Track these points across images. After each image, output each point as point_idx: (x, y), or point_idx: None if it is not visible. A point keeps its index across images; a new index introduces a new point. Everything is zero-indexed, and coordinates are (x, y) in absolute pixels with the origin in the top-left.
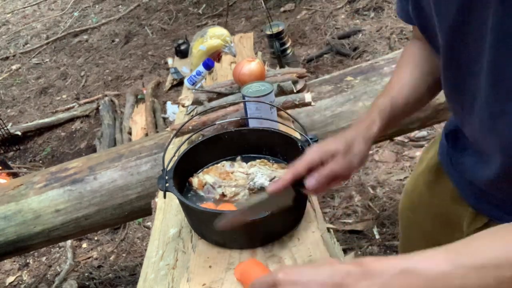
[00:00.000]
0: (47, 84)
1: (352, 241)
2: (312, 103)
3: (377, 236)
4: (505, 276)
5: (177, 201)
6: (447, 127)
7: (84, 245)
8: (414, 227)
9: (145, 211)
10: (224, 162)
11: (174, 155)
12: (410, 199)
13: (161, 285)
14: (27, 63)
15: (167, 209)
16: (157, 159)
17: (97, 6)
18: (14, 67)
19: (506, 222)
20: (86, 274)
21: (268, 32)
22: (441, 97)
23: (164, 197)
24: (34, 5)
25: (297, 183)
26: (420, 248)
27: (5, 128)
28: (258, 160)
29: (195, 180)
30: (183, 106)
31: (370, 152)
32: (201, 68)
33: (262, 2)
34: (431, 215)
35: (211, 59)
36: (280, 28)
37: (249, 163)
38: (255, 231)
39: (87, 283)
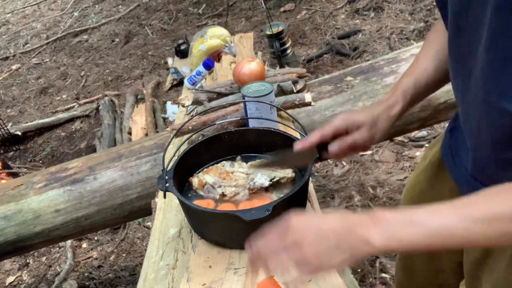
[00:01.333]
0: (47, 84)
1: None
2: (312, 103)
3: None
4: (508, 229)
5: (177, 201)
6: (451, 122)
7: (84, 245)
8: None
9: (145, 211)
10: (224, 162)
11: (174, 155)
12: (411, 196)
13: (161, 285)
14: (27, 63)
15: (167, 209)
16: (157, 159)
17: (97, 6)
18: (14, 67)
19: None
20: (86, 274)
21: (268, 32)
22: (441, 97)
23: (164, 197)
24: (34, 5)
25: (322, 146)
26: None
27: (5, 128)
28: (258, 160)
29: (195, 180)
30: (183, 106)
31: (370, 152)
32: (201, 68)
33: (262, 2)
34: None
35: (211, 59)
36: (280, 28)
37: (249, 163)
38: (255, 231)
39: (87, 283)
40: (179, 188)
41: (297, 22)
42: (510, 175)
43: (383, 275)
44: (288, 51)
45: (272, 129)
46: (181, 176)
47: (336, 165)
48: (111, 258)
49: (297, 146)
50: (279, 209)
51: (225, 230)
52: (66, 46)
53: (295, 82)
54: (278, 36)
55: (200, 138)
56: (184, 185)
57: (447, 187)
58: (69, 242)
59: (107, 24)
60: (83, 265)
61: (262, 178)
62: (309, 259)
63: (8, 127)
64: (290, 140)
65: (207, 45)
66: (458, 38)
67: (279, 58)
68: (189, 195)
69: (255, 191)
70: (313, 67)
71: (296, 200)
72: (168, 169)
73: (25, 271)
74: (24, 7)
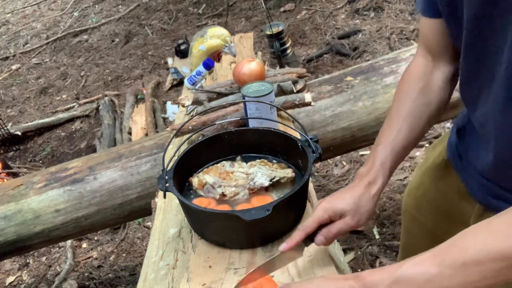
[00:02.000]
0: (47, 84)
1: (352, 241)
2: (312, 103)
3: (377, 236)
4: (487, 270)
5: (177, 201)
6: (458, 123)
7: (84, 245)
8: (417, 226)
9: (145, 211)
10: (224, 162)
11: (174, 155)
12: (414, 197)
13: (161, 285)
14: (27, 63)
15: (167, 209)
16: (157, 159)
17: (97, 6)
18: (14, 67)
19: None
20: (86, 274)
21: (268, 32)
22: None
23: (164, 197)
24: (34, 5)
25: (307, 238)
26: (422, 246)
27: (5, 128)
28: (258, 160)
29: (195, 180)
30: (183, 106)
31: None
32: (201, 68)
33: (262, 2)
34: (435, 212)
35: (211, 59)
36: (280, 28)
37: (249, 163)
38: (255, 231)
39: (87, 283)
40: (179, 188)
41: (297, 22)
42: None
43: None
44: (288, 51)
45: (272, 129)
46: (181, 176)
47: (336, 165)
48: (111, 258)
49: (283, 247)
50: (279, 209)
51: (225, 230)
52: (66, 46)
53: (295, 82)
54: (278, 36)
55: (200, 138)
56: (184, 185)
57: (453, 188)
58: (69, 242)
59: (107, 24)
60: (83, 265)
61: (262, 178)
62: None
63: (8, 127)
64: (290, 140)
65: (207, 45)
66: (480, 40)
67: (279, 58)
68: (189, 195)
69: (255, 191)
70: (313, 67)
71: (296, 200)
72: (168, 169)
73: (25, 271)
74: (24, 7)
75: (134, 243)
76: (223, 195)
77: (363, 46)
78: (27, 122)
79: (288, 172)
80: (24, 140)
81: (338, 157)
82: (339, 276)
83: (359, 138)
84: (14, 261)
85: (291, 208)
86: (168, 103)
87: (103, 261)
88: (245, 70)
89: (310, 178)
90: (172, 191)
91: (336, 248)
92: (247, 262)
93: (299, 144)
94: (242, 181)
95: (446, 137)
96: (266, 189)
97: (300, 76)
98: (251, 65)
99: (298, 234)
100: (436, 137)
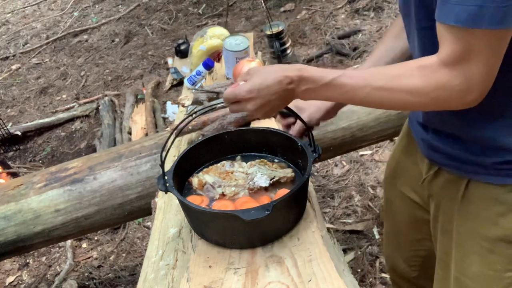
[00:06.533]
0: (47, 84)
1: (352, 241)
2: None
3: (377, 236)
4: (393, 98)
5: (177, 201)
6: None
7: (84, 245)
8: (394, 192)
9: (145, 211)
10: (224, 161)
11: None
12: (390, 167)
13: (161, 285)
14: (27, 63)
15: (167, 209)
16: (157, 159)
17: (97, 6)
18: (14, 67)
19: (452, 168)
20: (86, 274)
21: (268, 32)
22: None
23: (166, 192)
24: (34, 5)
25: None
26: (401, 212)
27: (5, 128)
28: (257, 160)
29: (195, 180)
30: (183, 106)
31: (370, 152)
32: (201, 68)
33: (262, 2)
34: (407, 177)
35: (211, 59)
36: (280, 28)
37: (249, 163)
38: (255, 231)
39: (87, 283)
40: (179, 188)
41: (297, 22)
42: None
43: (383, 275)
44: (288, 51)
45: (272, 129)
46: (181, 176)
47: (336, 165)
48: (111, 258)
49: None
50: (278, 209)
51: (225, 230)
52: (66, 46)
53: None
54: (278, 36)
55: (200, 138)
56: (184, 185)
57: (415, 151)
58: (69, 242)
59: (107, 24)
60: (83, 265)
61: (262, 178)
62: (250, 110)
63: (8, 127)
64: (290, 140)
65: (207, 45)
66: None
67: (279, 58)
68: (189, 195)
69: (255, 191)
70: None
71: (296, 200)
72: (168, 169)
73: (25, 271)
74: (24, 7)
75: (134, 243)
76: (223, 194)
77: (363, 46)
78: (27, 122)
79: (288, 172)
80: (24, 140)
81: (338, 157)
82: (286, 66)
83: (359, 138)
84: (14, 261)
85: (291, 208)
86: (168, 103)
87: (103, 261)
88: (245, 70)
89: (310, 178)
90: (171, 191)
91: (336, 248)
92: (247, 262)
93: (299, 144)
94: (242, 181)
95: None
96: (266, 189)
97: None
98: (251, 65)
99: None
100: None
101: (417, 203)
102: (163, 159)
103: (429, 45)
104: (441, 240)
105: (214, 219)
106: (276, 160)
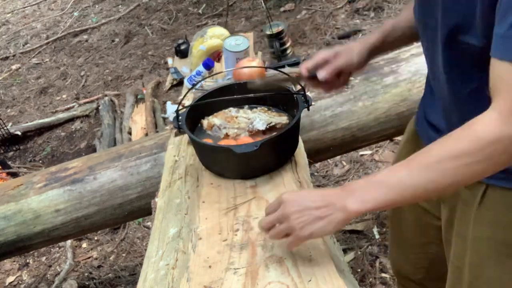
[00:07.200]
0: (47, 84)
1: (352, 241)
2: (312, 103)
3: (377, 236)
4: (447, 168)
5: (177, 201)
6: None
7: (84, 245)
8: None
9: (145, 211)
10: (231, 108)
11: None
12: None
13: (161, 285)
14: (27, 63)
15: (167, 209)
16: (157, 159)
17: (97, 6)
18: (14, 67)
19: None
20: (86, 274)
21: (268, 32)
22: None
23: (178, 133)
24: (34, 5)
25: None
26: (406, 212)
27: (5, 128)
28: (259, 108)
29: (205, 122)
30: (183, 106)
31: (370, 152)
32: (201, 68)
33: (262, 2)
34: None
35: (211, 59)
36: (280, 28)
37: (252, 110)
38: (247, 163)
39: (87, 283)
40: (192, 128)
41: (297, 22)
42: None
43: (383, 275)
44: (288, 51)
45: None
46: (193, 119)
47: (336, 165)
48: (111, 258)
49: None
50: (268, 146)
51: (222, 162)
52: (66, 46)
53: None
54: (278, 36)
55: (213, 86)
56: (196, 126)
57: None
58: (69, 242)
59: (107, 24)
60: (83, 265)
61: (260, 122)
62: (295, 228)
63: (8, 127)
64: (289, 94)
65: (207, 45)
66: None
67: (279, 58)
68: (200, 134)
69: (253, 133)
70: None
71: (284, 140)
72: (182, 112)
73: (25, 271)
74: (24, 7)
75: (134, 243)
76: (227, 135)
77: None
78: (27, 122)
79: (284, 119)
80: (24, 140)
81: (338, 157)
82: (327, 189)
83: (359, 138)
84: (14, 261)
85: (278, 147)
86: (168, 103)
87: (103, 261)
88: (245, 70)
89: (310, 177)
90: (183, 128)
91: (336, 248)
92: (247, 262)
93: (295, 97)
94: (244, 125)
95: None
96: (264, 132)
97: None
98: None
99: (302, 66)
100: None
101: (424, 208)
102: (180, 103)
103: (456, 62)
104: (455, 244)
105: (214, 152)
106: (275, 110)
